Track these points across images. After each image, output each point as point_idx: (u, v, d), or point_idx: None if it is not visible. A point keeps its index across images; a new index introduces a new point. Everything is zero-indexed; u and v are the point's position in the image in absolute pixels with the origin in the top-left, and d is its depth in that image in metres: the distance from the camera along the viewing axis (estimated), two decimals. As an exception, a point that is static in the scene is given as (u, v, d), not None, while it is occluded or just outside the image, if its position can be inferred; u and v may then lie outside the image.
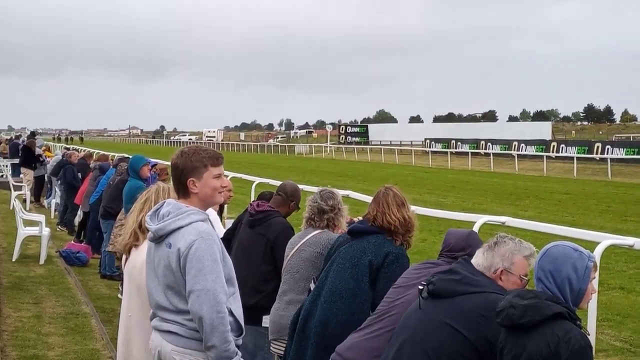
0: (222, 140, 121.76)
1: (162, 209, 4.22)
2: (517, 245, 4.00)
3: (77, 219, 17.06)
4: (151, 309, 4.34)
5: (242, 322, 4.18)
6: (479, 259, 4.04)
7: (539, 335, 3.29)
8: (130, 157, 12.28)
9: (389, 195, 5.13)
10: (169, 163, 4.38)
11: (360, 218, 5.49)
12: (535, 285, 3.51)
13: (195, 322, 3.99)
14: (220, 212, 6.89)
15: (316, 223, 5.64)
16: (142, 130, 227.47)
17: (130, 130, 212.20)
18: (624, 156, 43.36)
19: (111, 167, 14.07)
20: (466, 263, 4.05)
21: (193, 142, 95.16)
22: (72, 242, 15.26)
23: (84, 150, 29.88)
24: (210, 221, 4.26)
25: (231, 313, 4.08)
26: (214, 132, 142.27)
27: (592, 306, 5.64)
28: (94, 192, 14.42)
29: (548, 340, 3.25)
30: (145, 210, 4.99)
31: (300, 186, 12.15)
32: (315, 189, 6.05)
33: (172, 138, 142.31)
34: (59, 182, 19.09)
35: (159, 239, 4.16)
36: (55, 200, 21.03)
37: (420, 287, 4.02)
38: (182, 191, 4.18)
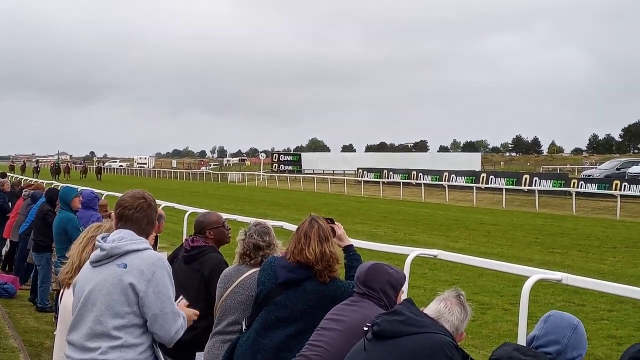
0: (154, 167, 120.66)
1: (113, 235, 4.38)
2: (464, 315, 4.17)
3: (5, 249, 16.65)
4: (71, 342, 4.33)
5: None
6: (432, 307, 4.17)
7: None
8: (60, 188, 12.12)
9: (313, 229, 5.00)
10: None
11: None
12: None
13: (159, 338, 4.34)
14: (155, 244, 6.83)
15: (251, 260, 5.56)
16: (71, 156, 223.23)
17: (60, 156, 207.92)
18: (551, 188, 44.36)
19: (43, 196, 13.83)
20: (410, 304, 4.13)
21: (124, 169, 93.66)
22: (-1, 272, 14.91)
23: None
24: None
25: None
26: (145, 159, 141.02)
27: (522, 340, 5.76)
28: (24, 221, 14.15)
29: None
30: (90, 248, 5.01)
31: (233, 216, 12.20)
32: (247, 219, 6.04)
33: (101, 165, 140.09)
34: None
35: (109, 259, 4.28)
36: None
37: (365, 329, 4.06)
38: (147, 234, 4.47)
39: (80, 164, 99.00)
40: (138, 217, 4.37)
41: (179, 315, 4.36)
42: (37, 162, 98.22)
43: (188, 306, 4.81)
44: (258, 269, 5.46)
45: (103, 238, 4.38)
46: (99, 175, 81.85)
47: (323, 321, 4.63)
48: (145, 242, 4.37)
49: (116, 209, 4.46)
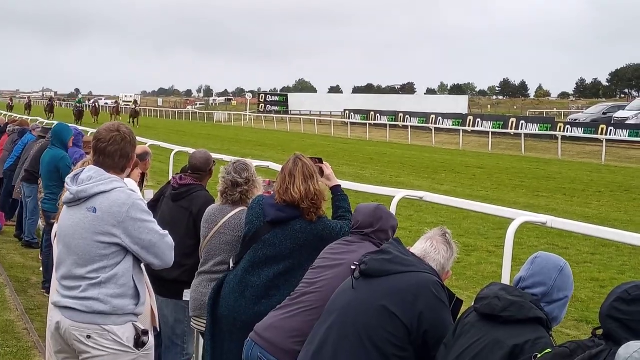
0: (139, 106, 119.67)
1: (83, 174, 4.30)
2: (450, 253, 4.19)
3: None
4: (57, 280, 4.36)
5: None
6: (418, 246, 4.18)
7: (512, 331, 3.35)
8: (55, 124, 11.97)
9: (297, 167, 4.99)
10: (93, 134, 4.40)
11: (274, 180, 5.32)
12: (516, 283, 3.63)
13: (155, 266, 4.38)
14: (141, 182, 6.79)
15: (229, 197, 5.53)
16: (56, 92, 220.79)
17: (44, 93, 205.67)
18: (537, 132, 44.40)
19: (30, 132, 13.70)
20: (397, 243, 4.15)
21: (109, 107, 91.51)
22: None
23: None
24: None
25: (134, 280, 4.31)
26: (131, 97, 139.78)
27: (505, 281, 5.80)
28: (9, 157, 14.03)
29: (519, 338, 3.30)
30: None
31: (219, 156, 12.13)
32: (233, 159, 5.98)
33: (86, 102, 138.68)
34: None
35: (77, 201, 4.24)
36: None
37: (353, 267, 4.07)
38: (122, 167, 4.39)
39: (113, 104, 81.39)
40: (111, 150, 4.30)
41: (165, 236, 4.35)
42: (51, 99, 79.89)
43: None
44: (241, 207, 5.45)
45: (74, 176, 4.34)
46: (135, 119, 60.97)
47: (319, 260, 4.64)
48: (115, 180, 4.28)
49: (92, 141, 4.42)
